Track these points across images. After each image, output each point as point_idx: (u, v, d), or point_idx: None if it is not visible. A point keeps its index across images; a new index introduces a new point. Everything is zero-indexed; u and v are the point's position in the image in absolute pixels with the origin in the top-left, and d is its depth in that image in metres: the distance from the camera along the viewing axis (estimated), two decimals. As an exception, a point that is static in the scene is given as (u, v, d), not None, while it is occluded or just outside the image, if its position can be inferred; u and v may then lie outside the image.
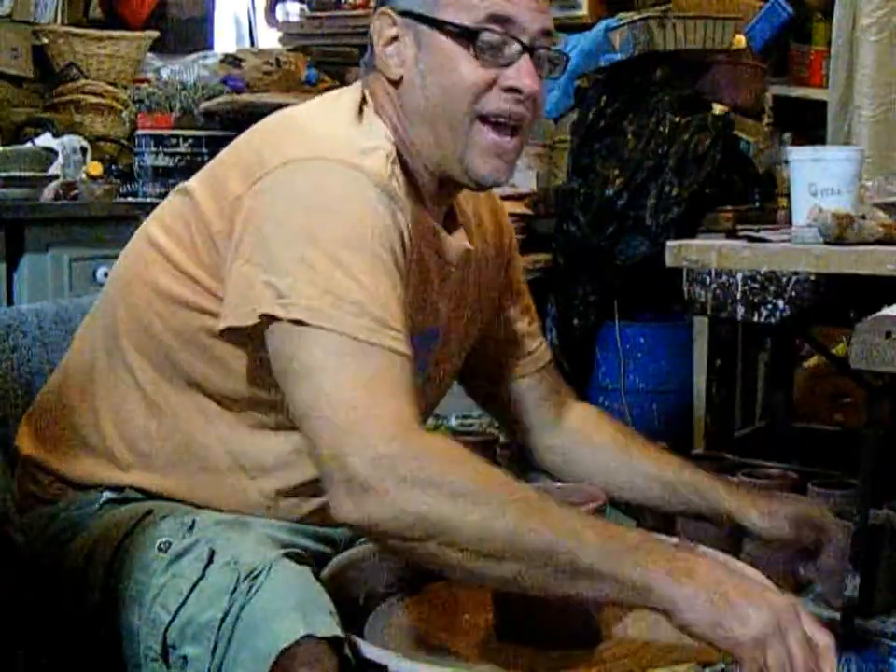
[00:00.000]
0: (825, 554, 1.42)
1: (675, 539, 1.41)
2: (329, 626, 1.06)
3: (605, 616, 1.24)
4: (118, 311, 1.31)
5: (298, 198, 1.15)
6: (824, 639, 1.02)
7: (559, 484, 1.33)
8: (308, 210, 1.14)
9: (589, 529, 1.05)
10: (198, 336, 1.23)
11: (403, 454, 1.04)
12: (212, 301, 1.21)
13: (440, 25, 1.21)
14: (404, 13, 1.24)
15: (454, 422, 3.03)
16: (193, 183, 1.29)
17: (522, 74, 1.22)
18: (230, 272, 1.17)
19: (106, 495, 1.29)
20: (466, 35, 1.20)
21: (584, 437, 1.51)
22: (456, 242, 1.33)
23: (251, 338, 1.17)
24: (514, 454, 1.68)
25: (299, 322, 1.10)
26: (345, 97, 1.28)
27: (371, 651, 1.10)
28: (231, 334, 1.19)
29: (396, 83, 1.25)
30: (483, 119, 1.23)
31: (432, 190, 1.29)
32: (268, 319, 1.12)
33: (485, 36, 1.20)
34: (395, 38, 1.25)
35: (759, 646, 0.99)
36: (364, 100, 1.27)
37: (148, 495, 1.28)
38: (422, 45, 1.23)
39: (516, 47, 1.22)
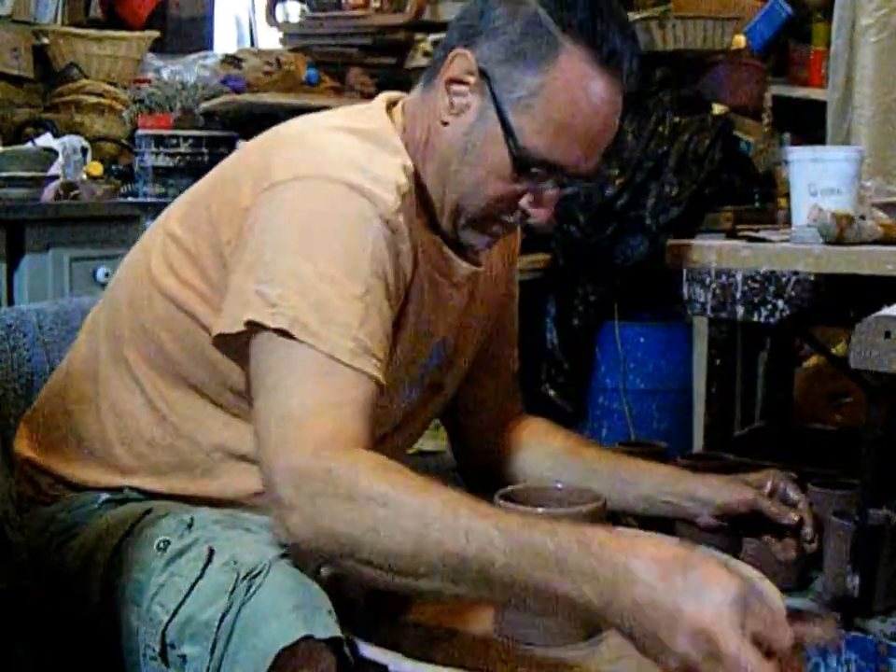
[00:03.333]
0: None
1: (675, 540, 1.41)
2: (328, 627, 1.06)
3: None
4: (122, 317, 1.31)
5: (301, 214, 1.14)
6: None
7: (559, 484, 1.33)
8: (309, 227, 1.14)
9: (501, 534, 0.99)
10: (203, 350, 1.23)
11: (317, 469, 1.04)
12: (214, 316, 1.21)
13: (505, 126, 1.19)
14: (484, 74, 1.20)
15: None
16: (204, 187, 1.29)
17: (543, 207, 1.23)
18: (230, 281, 1.17)
19: (105, 495, 1.29)
20: (518, 159, 1.19)
21: (532, 444, 1.50)
22: (466, 263, 1.33)
23: (248, 351, 1.16)
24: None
25: (283, 333, 1.10)
26: (371, 116, 1.27)
27: (371, 650, 1.09)
28: (229, 346, 1.18)
29: (441, 122, 1.24)
30: (492, 217, 1.25)
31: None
32: (255, 327, 1.12)
33: (531, 172, 1.21)
34: (464, 83, 1.22)
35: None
36: (391, 115, 1.27)
37: (147, 494, 1.29)
38: (482, 123, 1.21)
39: (553, 182, 1.22)
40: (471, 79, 1.21)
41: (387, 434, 1.34)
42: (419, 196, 1.25)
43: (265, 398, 1.11)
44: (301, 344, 1.09)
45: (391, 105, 1.31)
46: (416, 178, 1.23)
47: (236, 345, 1.18)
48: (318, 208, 1.14)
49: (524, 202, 1.24)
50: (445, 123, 1.23)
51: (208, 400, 1.26)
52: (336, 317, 1.10)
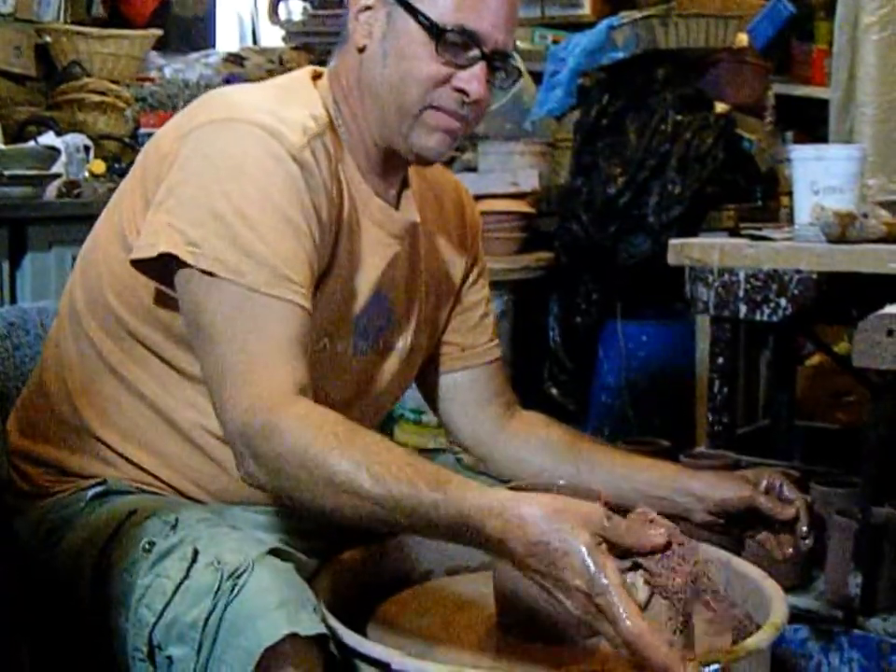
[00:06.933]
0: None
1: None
2: (313, 624, 1.06)
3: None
4: (76, 292, 1.35)
5: (214, 154, 1.21)
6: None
7: (561, 482, 1.33)
8: (222, 167, 1.20)
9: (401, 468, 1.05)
10: (142, 302, 1.27)
11: (257, 431, 1.10)
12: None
13: (413, 12, 1.27)
14: None
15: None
16: (141, 156, 1.35)
17: (474, 79, 1.28)
18: (147, 217, 1.23)
19: (91, 492, 1.29)
20: (433, 31, 1.26)
21: (530, 435, 1.51)
22: (401, 215, 1.38)
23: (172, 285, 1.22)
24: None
25: (208, 273, 1.16)
26: (291, 75, 1.37)
27: (373, 648, 1.10)
28: (151, 276, 1.23)
29: (359, 50, 1.31)
30: (433, 107, 1.29)
31: (378, 163, 1.35)
32: (175, 263, 1.18)
33: (450, 37, 1.26)
34: (369, 8, 1.30)
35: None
36: (315, 75, 1.36)
37: (132, 477, 1.30)
38: (392, 24, 1.29)
39: (475, 53, 1.28)
40: (373, 0, 1.30)
41: (351, 399, 1.36)
42: (351, 145, 1.33)
43: (203, 344, 1.18)
44: (225, 282, 1.16)
45: (318, 77, 1.38)
46: (338, 128, 1.32)
47: (156, 277, 1.23)
48: (230, 147, 1.21)
49: (456, 80, 1.28)
50: (363, 49, 1.31)
51: (166, 364, 1.28)
52: (251, 249, 1.17)
